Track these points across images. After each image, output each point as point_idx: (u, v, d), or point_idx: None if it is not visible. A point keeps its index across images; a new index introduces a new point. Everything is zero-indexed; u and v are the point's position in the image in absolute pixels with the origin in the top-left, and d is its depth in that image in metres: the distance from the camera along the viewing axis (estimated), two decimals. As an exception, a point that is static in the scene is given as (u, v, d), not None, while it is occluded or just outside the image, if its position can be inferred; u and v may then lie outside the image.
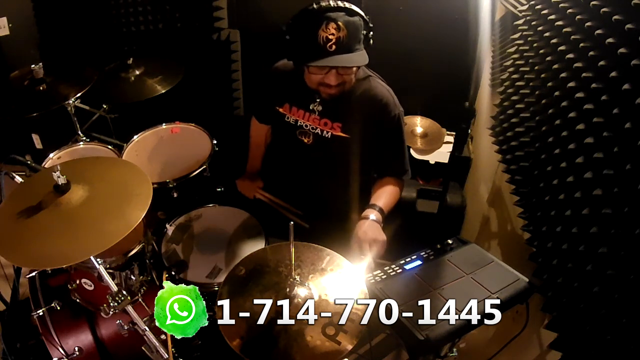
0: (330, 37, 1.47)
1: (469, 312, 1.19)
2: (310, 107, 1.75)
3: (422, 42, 2.62)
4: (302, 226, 1.82)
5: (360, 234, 1.59)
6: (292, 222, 1.16)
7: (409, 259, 1.41)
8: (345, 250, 1.45)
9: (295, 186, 1.97)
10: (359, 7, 1.55)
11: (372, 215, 1.64)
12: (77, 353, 1.62)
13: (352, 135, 1.73)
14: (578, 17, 1.27)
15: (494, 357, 1.52)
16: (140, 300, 1.68)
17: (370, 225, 1.62)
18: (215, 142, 2.16)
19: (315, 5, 1.48)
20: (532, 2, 1.67)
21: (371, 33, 1.58)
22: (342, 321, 1.18)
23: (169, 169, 2.06)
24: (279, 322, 1.18)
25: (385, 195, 1.74)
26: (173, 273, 1.71)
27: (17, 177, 1.54)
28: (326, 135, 1.76)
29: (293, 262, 1.21)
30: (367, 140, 1.73)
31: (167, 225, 1.90)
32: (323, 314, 1.20)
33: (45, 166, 2.00)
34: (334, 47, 1.47)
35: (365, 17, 1.55)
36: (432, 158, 2.68)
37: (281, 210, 1.94)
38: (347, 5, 1.51)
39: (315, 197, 1.92)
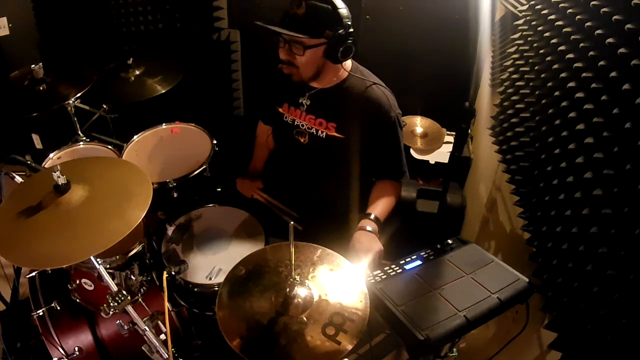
0: (290, 11, 1.56)
1: (469, 312, 1.20)
2: (300, 101, 1.77)
3: (422, 42, 2.62)
4: (296, 228, 1.83)
5: (356, 245, 1.61)
6: (292, 222, 1.16)
7: (409, 259, 1.41)
8: (344, 251, 1.46)
9: (292, 186, 1.98)
10: (358, 7, 1.56)
11: (368, 226, 1.66)
12: (77, 353, 1.62)
13: (346, 136, 1.74)
14: (578, 17, 1.27)
15: (494, 357, 1.52)
16: (140, 300, 1.68)
17: (366, 236, 1.63)
18: (215, 142, 2.16)
19: None
20: (532, 2, 1.67)
21: (342, 31, 1.57)
22: (342, 321, 1.18)
23: (169, 169, 2.06)
24: (279, 322, 1.19)
25: (381, 203, 1.75)
26: (173, 273, 1.71)
27: (17, 177, 1.54)
28: (321, 135, 1.77)
29: (293, 262, 1.21)
30: (362, 142, 1.74)
31: (167, 225, 1.90)
32: (323, 314, 1.20)
33: (45, 166, 2.00)
34: (287, 20, 1.56)
35: (343, 16, 1.56)
36: (432, 158, 2.67)
37: (277, 212, 1.95)
38: None
39: (312, 197, 1.93)
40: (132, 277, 1.76)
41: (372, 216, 1.69)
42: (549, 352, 1.29)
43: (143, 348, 1.47)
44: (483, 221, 2.19)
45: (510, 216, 1.80)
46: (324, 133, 1.76)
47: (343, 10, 1.57)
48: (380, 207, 1.74)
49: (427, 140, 2.74)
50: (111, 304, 1.42)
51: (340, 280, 1.31)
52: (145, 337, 1.45)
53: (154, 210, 1.97)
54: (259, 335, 1.17)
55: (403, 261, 1.40)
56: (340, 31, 1.57)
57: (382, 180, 1.82)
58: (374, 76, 1.78)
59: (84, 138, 2.34)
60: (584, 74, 1.20)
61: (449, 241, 1.47)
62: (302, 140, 1.83)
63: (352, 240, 1.64)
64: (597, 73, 1.15)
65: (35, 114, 2.09)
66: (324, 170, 1.86)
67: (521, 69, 1.65)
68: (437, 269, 1.37)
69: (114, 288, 1.46)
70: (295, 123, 1.82)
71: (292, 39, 1.59)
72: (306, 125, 1.80)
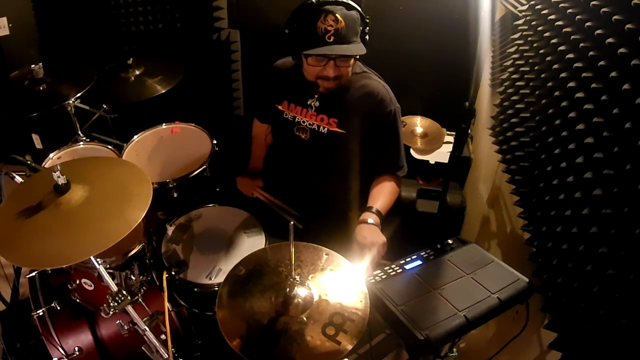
0: (329, 28, 1.51)
1: (469, 312, 1.20)
2: (308, 103, 1.77)
3: (422, 42, 2.62)
4: (297, 227, 1.83)
5: (359, 238, 1.60)
6: (292, 222, 1.16)
7: (409, 259, 1.41)
8: (344, 248, 1.45)
9: (293, 183, 1.98)
10: (359, 7, 1.57)
11: (370, 219, 1.65)
12: (77, 353, 1.62)
13: (348, 131, 1.74)
14: (578, 17, 1.27)
15: (494, 357, 1.52)
16: (140, 300, 1.68)
17: (368, 228, 1.63)
18: (215, 142, 2.16)
19: (314, 0, 1.53)
20: (532, 2, 1.67)
21: (367, 28, 1.62)
22: (342, 321, 1.18)
23: (169, 169, 2.06)
24: (279, 322, 1.19)
25: (382, 197, 1.74)
26: (173, 273, 1.71)
27: (17, 177, 1.54)
28: (322, 131, 1.77)
29: (293, 262, 1.21)
30: (363, 136, 1.74)
31: (167, 225, 1.90)
32: (323, 314, 1.20)
33: (45, 166, 2.00)
34: (332, 38, 1.52)
35: (362, 12, 1.59)
36: (432, 158, 2.67)
37: (277, 210, 1.95)
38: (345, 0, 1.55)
39: (313, 194, 1.92)
40: (132, 277, 1.76)
41: (374, 209, 1.69)
42: (549, 352, 1.29)
43: (143, 348, 1.47)
44: (483, 221, 2.19)
45: (510, 216, 1.80)
46: (326, 129, 1.77)
47: (359, 8, 1.58)
48: (381, 200, 1.73)
49: (427, 140, 2.74)
50: (111, 304, 1.42)
51: (340, 280, 1.31)
52: (145, 337, 1.45)
53: (154, 210, 1.97)
54: (259, 335, 1.17)
55: (403, 261, 1.40)
56: (366, 29, 1.60)
57: (382, 175, 1.82)
58: (371, 70, 1.79)
59: (84, 138, 2.34)
60: (584, 74, 1.20)
61: (449, 241, 1.47)
62: (303, 137, 1.83)
63: (355, 234, 1.64)
64: (597, 73, 1.15)
65: (35, 114, 2.09)
66: (325, 166, 1.86)
67: (521, 69, 1.65)
68: (437, 269, 1.37)
69: (114, 288, 1.46)
70: (296, 120, 1.82)
71: (354, 53, 1.59)
72: (307, 121, 1.80)
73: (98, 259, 1.48)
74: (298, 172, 1.96)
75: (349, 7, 1.55)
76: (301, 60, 1.67)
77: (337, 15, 1.51)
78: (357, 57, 1.66)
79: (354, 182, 1.81)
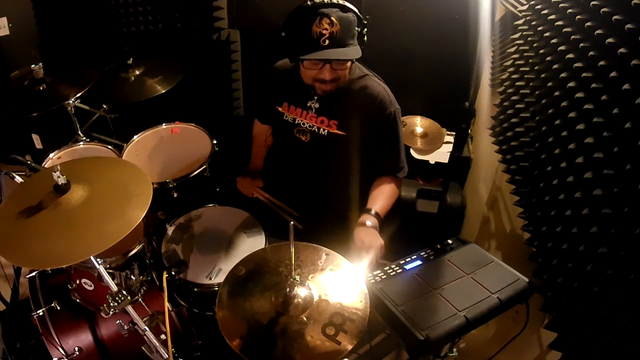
0: (324, 32, 1.50)
1: (469, 312, 1.20)
2: (308, 105, 1.77)
3: (422, 42, 2.62)
4: (297, 227, 1.83)
5: (357, 241, 1.61)
6: (292, 222, 1.16)
7: (409, 259, 1.41)
8: (344, 248, 1.45)
9: (294, 185, 1.98)
10: (358, 8, 1.57)
11: (369, 221, 1.66)
12: (77, 353, 1.62)
13: (348, 133, 1.74)
14: (578, 17, 1.27)
15: (494, 357, 1.52)
16: (140, 300, 1.68)
17: (366, 231, 1.63)
18: (215, 142, 2.16)
19: (309, 2, 1.52)
20: (532, 2, 1.67)
21: (365, 30, 1.61)
22: (342, 321, 1.18)
23: (169, 169, 2.06)
24: (279, 322, 1.19)
25: (381, 198, 1.75)
26: (173, 273, 1.71)
27: (17, 177, 1.54)
28: (323, 133, 1.77)
29: (293, 262, 1.21)
30: (363, 138, 1.74)
31: (167, 225, 1.90)
32: (323, 314, 1.20)
33: (45, 166, 2.00)
34: (327, 41, 1.51)
35: (359, 14, 1.58)
36: (432, 158, 2.67)
37: (277, 211, 1.95)
38: (341, 1, 1.54)
39: (313, 196, 1.92)
40: (132, 277, 1.76)
41: (373, 211, 1.69)
42: (549, 352, 1.29)
43: (143, 348, 1.47)
44: (483, 221, 2.19)
45: (510, 216, 1.80)
46: (326, 131, 1.77)
47: (355, 10, 1.58)
48: (380, 202, 1.74)
49: (427, 140, 2.74)
50: (111, 304, 1.42)
51: (340, 280, 1.31)
52: (145, 337, 1.45)
53: (154, 210, 1.97)
54: (259, 335, 1.17)
55: (403, 261, 1.40)
56: (364, 30, 1.60)
57: (382, 176, 1.82)
58: (371, 71, 1.79)
59: (84, 138, 2.34)
60: (584, 74, 1.20)
61: (449, 241, 1.47)
62: (303, 139, 1.83)
63: (353, 236, 1.64)
64: (597, 73, 1.15)
65: (35, 114, 2.09)
66: (325, 168, 1.86)
67: (521, 69, 1.65)
68: (437, 269, 1.37)
69: (114, 288, 1.46)
70: (296, 122, 1.82)
71: (349, 57, 1.58)
72: (307, 123, 1.80)
73: (98, 259, 1.48)
74: (298, 173, 1.96)
75: (345, 9, 1.54)
76: (299, 62, 1.67)
77: (332, 18, 1.50)
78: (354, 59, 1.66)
79: (354, 183, 1.81)
